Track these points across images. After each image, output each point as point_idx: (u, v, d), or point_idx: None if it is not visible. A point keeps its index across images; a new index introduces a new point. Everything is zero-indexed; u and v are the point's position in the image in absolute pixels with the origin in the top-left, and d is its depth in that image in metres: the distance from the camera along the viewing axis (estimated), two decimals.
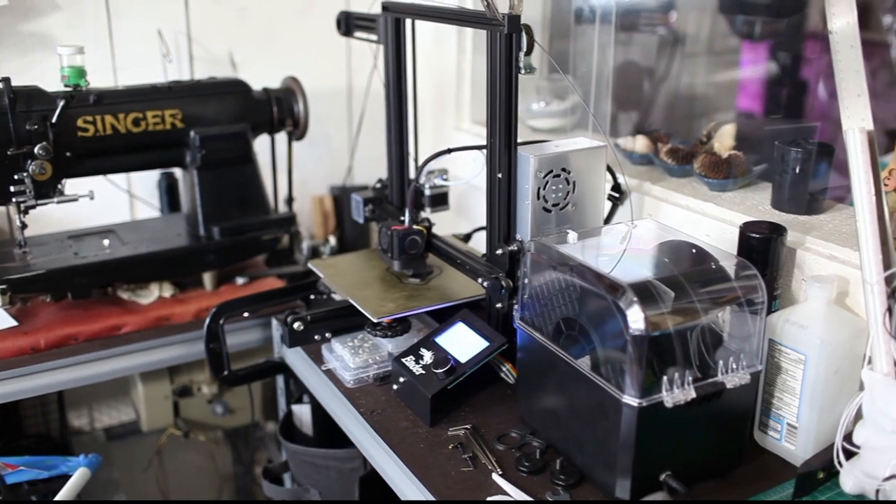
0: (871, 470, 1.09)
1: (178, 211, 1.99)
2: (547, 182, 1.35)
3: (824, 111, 1.84)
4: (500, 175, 1.35)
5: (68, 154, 1.56)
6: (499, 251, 1.38)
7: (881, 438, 1.08)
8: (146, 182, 2.04)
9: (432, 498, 1.15)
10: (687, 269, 1.15)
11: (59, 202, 1.58)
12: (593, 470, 1.15)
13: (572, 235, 1.21)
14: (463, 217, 1.98)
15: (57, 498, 1.54)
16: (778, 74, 1.97)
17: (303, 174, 2.12)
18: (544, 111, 1.93)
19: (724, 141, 1.57)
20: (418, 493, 1.19)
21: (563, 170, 1.36)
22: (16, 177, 1.52)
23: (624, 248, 1.21)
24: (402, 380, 1.35)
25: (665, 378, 1.05)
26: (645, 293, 1.04)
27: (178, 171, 1.99)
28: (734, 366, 1.11)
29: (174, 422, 1.93)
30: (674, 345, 1.06)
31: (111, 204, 2.00)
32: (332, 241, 1.89)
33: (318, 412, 1.63)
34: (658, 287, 1.07)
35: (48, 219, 1.85)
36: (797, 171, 1.37)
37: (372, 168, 2.21)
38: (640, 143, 1.67)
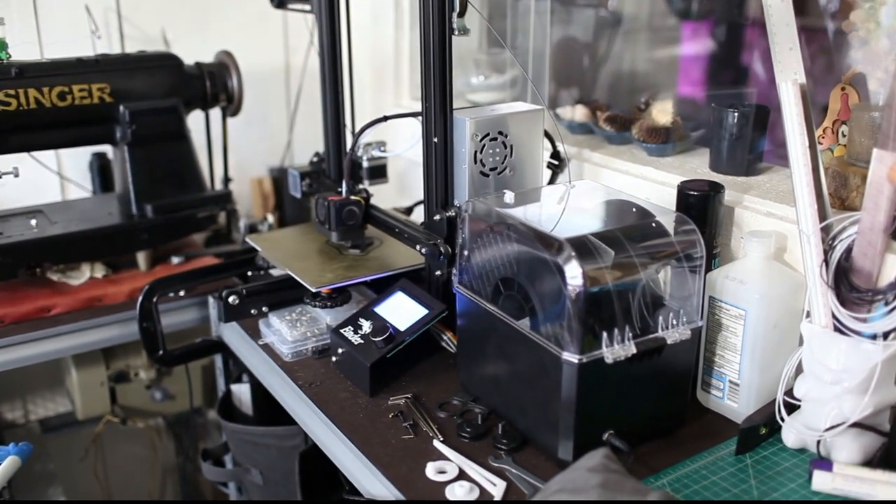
0: (811, 422, 1.09)
1: (111, 192, 1.93)
2: (484, 146, 1.33)
3: (766, 94, 1.84)
4: (435, 139, 1.32)
5: None
6: (437, 217, 1.36)
7: (821, 390, 1.08)
8: (77, 163, 1.98)
9: (373, 468, 1.12)
10: (625, 225, 1.14)
11: None
12: (536, 433, 1.13)
13: (509, 195, 1.19)
14: (404, 194, 1.95)
15: None
16: (718, 56, 1.98)
17: (241, 156, 2.07)
18: (483, 85, 1.92)
19: (663, 112, 1.56)
20: (358, 464, 1.16)
21: (500, 133, 1.34)
22: None
23: (563, 207, 1.19)
24: (340, 351, 1.32)
25: (605, 334, 1.04)
26: (583, 248, 1.03)
27: (110, 152, 1.94)
28: (675, 322, 1.10)
29: (111, 409, 1.87)
30: (613, 301, 1.05)
31: (40, 186, 1.93)
32: (271, 218, 1.85)
33: (258, 391, 1.59)
34: (596, 243, 1.05)
35: None
36: (734, 133, 1.37)
37: (311, 148, 2.17)
38: (580, 113, 1.66)
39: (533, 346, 1.08)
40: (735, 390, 1.19)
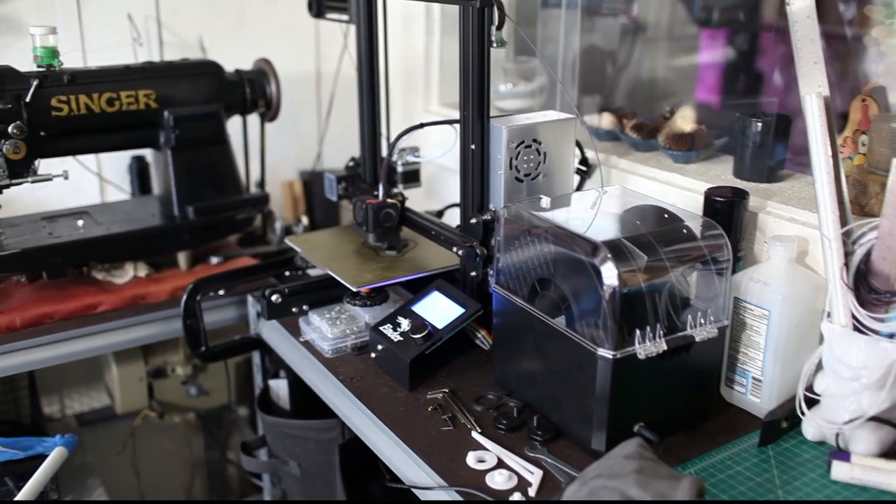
0: (830, 416, 1.15)
1: (149, 194, 2.00)
2: (519, 153, 1.40)
3: (781, 101, 1.91)
4: (473, 146, 1.39)
5: (42, 133, 1.57)
6: (473, 220, 1.42)
7: (840, 385, 1.14)
8: (116, 166, 2.05)
9: (416, 457, 1.18)
10: (655, 229, 1.20)
11: (32, 182, 1.58)
12: (569, 425, 1.19)
13: (545, 200, 1.25)
14: (433, 198, 2.02)
15: (34, 477, 1.54)
16: (734, 63, 2.03)
17: (272, 160, 2.14)
18: (511, 92, 1.98)
19: (685, 119, 1.63)
20: (400, 454, 1.22)
21: (535, 140, 1.41)
22: None
23: (595, 211, 1.26)
24: (380, 347, 1.39)
25: (637, 332, 1.10)
26: (617, 251, 1.09)
27: (149, 156, 2.01)
28: (702, 321, 1.16)
29: (149, 404, 1.94)
30: (645, 300, 1.11)
31: (81, 188, 2.00)
32: (305, 220, 1.92)
33: (295, 386, 1.66)
34: (629, 246, 1.12)
35: (18, 203, 1.85)
36: (757, 141, 1.43)
37: (341, 153, 2.24)
38: (606, 120, 1.72)
39: (568, 343, 1.14)
40: (758, 386, 1.25)
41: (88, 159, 1.99)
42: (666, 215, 1.23)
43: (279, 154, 2.20)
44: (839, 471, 1.10)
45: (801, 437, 1.20)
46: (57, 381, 2.11)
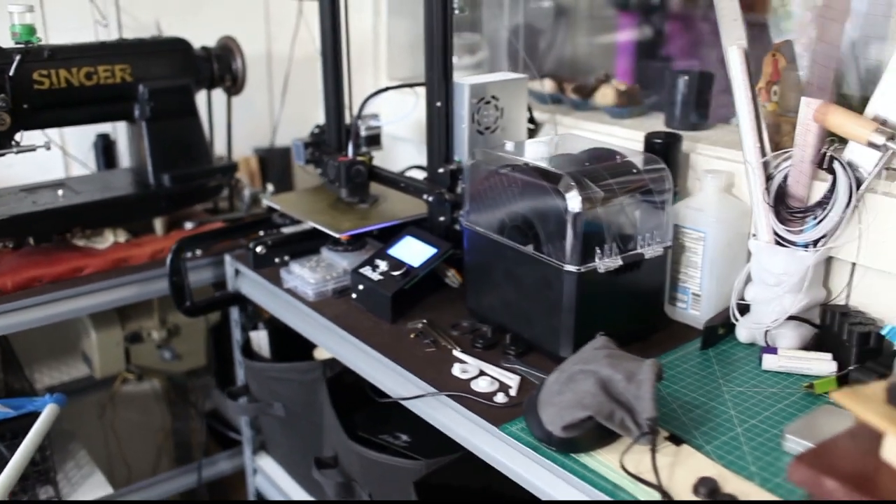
0: (759, 319, 1.36)
1: (113, 169, 2.09)
2: (479, 108, 1.56)
3: None
4: (438, 104, 1.55)
5: (25, 106, 1.65)
6: (441, 170, 1.58)
7: (765, 292, 1.34)
8: (79, 144, 2.13)
9: (408, 374, 1.33)
10: (607, 164, 1.38)
11: (17, 152, 1.66)
12: (540, 339, 1.36)
13: (510, 144, 1.42)
14: (386, 163, 2.16)
15: (31, 434, 1.62)
16: (645, 47, 2.25)
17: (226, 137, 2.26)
18: (457, 65, 2.13)
19: (619, 82, 1.82)
20: (392, 374, 1.37)
21: (493, 97, 1.57)
22: None
23: (552, 152, 1.43)
24: (361, 287, 1.53)
25: (597, 249, 1.28)
26: (578, 179, 1.26)
27: (112, 133, 2.10)
28: (650, 242, 1.35)
29: (126, 368, 2.03)
30: (601, 223, 1.29)
31: (44, 165, 2.06)
32: (271, 187, 2.04)
33: (274, 335, 1.79)
34: (587, 176, 1.29)
35: None
36: (685, 93, 1.63)
37: (290, 130, 2.37)
38: (548, 85, 1.90)
39: (537, 265, 1.31)
40: (697, 300, 1.45)
41: (53, 137, 2.06)
42: (614, 154, 1.42)
43: (233, 131, 2.31)
44: (769, 361, 1.30)
45: (735, 341, 1.40)
46: (23, 356, 2.18)
